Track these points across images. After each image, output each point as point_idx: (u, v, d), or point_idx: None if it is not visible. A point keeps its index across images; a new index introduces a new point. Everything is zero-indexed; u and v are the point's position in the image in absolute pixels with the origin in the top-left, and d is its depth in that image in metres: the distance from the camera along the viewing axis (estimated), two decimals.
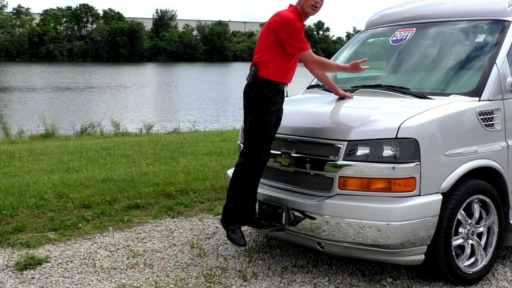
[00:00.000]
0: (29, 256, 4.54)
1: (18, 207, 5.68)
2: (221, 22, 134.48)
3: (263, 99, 4.07)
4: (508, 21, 4.42)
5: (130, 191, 6.39)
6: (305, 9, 4.13)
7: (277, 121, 4.22)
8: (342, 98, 4.59)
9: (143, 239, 5.12)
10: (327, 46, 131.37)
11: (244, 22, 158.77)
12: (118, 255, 4.70)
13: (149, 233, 5.27)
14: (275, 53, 4.08)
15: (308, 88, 5.35)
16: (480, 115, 4.02)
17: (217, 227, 5.44)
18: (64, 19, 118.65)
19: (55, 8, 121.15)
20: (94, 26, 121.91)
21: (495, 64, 4.18)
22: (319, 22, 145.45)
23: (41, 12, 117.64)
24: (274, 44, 4.08)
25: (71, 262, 4.54)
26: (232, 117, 24.33)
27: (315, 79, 5.43)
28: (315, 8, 4.13)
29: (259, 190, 4.32)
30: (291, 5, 4.22)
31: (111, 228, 5.39)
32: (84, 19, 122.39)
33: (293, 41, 4.02)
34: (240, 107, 25.81)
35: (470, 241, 4.05)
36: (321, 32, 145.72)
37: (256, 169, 4.17)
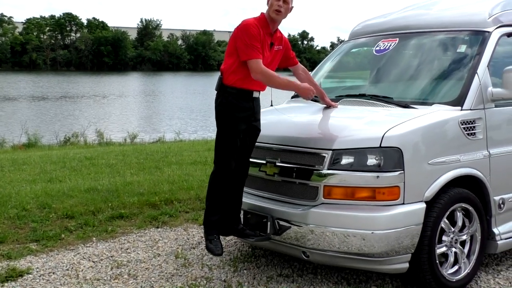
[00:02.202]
0: (10, 268, 4.47)
1: None
2: (206, 32, 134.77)
3: (227, 106, 4.08)
4: (488, 32, 4.49)
5: (114, 201, 6.33)
6: (270, 15, 4.13)
7: (253, 129, 4.21)
8: (327, 107, 4.62)
9: (127, 249, 5.08)
10: (312, 56, 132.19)
11: (228, 31, 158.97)
12: (102, 266, 4.65)
13: (133, 243, 5.23)
14: (236, 60, 4.09)
15: (292, 97, 5.37)
16: (462, 124, 4.07)
17: (202, 237, 5.41)
18: (48, 28, 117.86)
19: (38, 17, 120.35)
20: (78, 35, 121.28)
21: (476, 74, 4.24)
22: (304, 31, 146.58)
23: (24, 21, 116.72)
24: (234, 51, 4.10)
25: (53, 273, 4.48)
26: None
27: None
28: (279, 12, 4.11)
29: (244, 199, 4.32)
30: (261, 13, 4.23)
31: (94, 238, 5.33)
32: (68, 28, 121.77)
33: (244, 47, 4.01)
34: None
35: (454, 249, 4.08)
36: (305, 42, 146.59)
37: (229, 177, 4.16)
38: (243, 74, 4.08)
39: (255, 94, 4.20)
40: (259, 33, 4.03)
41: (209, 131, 21.29)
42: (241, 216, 4.35)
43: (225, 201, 4.20)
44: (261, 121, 4.29)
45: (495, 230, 4.31)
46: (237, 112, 4.08)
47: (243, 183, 4.30)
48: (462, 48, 4.55)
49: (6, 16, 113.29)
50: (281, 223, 3.99)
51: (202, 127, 24.90)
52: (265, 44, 4.11)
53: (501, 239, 4.32)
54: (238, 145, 4.13)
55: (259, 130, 4.27)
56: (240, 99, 4.10)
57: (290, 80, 4.23)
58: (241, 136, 4.14)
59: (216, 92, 4.18)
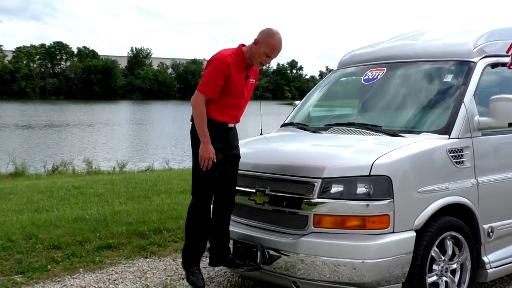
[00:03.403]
0: None
1: None
2: (196, 61, 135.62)
3: (194, 141, 4.08)
4: (473, 62, 4.58)
5: (102, 230, 6.25)
6: (253, 61, 4.14)
7: (232, 156, 4.21)
8: (316, 135, 4.63)
9: (114, 280, 5.00)
10: (301, 85, 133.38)
11: None
12: None
13: (121, 274, 5.15)
14: None
15: (282, 126, 5.40)
16: (450, 153, 4.10)
17: None
18: (38, 56, 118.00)
19: (29, 45, 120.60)
20: (68, 63, 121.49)
21: (463, 103, 4.30)
22: (293, 61, 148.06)
23: (14, 50, 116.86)
24: None
25: None
26: None
27: (289, 117, 5.50)
28: (262, 65, 4.17)
29: (234, 228, 4.29)
30: (240, 45, 4.20)
31: (81, 269, 5.25)
32: (58, 57, 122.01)
33: (206, 78, 4.01)
34: None
35: (444, 278, 4.07)
36: (294, 71, 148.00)
37: (207, 209, 4.14)
38: (213, 104, 4.07)
39: (230, 125, 4.20)
40: (229, 69, 3.99)
41: None
42: (231, 245, 4.31)
43: (205, 234, 4.18)
44: (251, 150, 4.30)
45: (485, 259, 4.31)
46: (212, 142, 4.06)
47: (230, 212, 4.28)
48: (449, 78, 4.63)
49: None
50: (271, 252, 3.96)
51: (191, 156, 24.81)
52: (240, 77, 4.09)
53: (491, 268, 4.32)
54: (216, 175, 4.12)
55: (239, 157, 4.29)
56: (216, 130, 4.10)
57: (207, 133, 4.01)
58: (218, 167, 4.12)
59: (191, 122, 4.18)
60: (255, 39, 4.13)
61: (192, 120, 4.15)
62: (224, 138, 4.15)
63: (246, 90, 4.20)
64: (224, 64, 3.98)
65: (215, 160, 4.04)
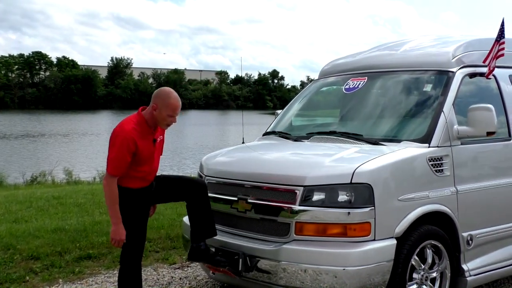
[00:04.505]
0: None
1: None
2: (177, 70, 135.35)
3: (124, 206, 3.97)
4: (452, 72, 4.65)
5: (82, 241, 6.18)
6: (159, 125, 4.02)
7: (160, 186, 4.17)
8: (297, 144, 4.65)
9: None
10: (282, 95, 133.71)
11: (200, 70, 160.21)
12: None
13: (101, 285, 5.09)
14: None
15: (264, 134, 5.41)
16: (430, 161, 4.15)
17: (172, 277, 5.30)
18: (16, 66, 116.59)
19: (7, 55, 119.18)
20: (48, 73, 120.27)
21: (442, 112, 4.36)
22: (274, 71, 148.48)
23: None
24: None
25: None
26: (188, 166, 24.14)
27: (271, 126, 5.52)
28: (169, 126, 4.07)
29: (216, 236, 4.26)
30: (140, 113, 4.00)
31: (61, 280, 5.17)
32: (37, 67, 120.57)
33: (112, 158, 3.85)
34: (197, 156, 25.65)
35: (424, 287, 4.09)
36: (276, 81, 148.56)
37: (137, 273, 4.11)
38: (128, 176, 3.94)
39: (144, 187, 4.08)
40: (135, 144, 3.85)
41: (181, 171, 21.10)
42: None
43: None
44: (233, 158, 4.26)
45: (464, 267, 4.36)
46: (129, 210, 3.98)
47: (205, 194, 4.22)
48: (428, 87, 4.69)
49: None
50: (253, 260, 3.94)
51: (172, 166, 24.70)
52: (148, 144, 3.96)
53: (470, 276, 4.36)
54: (143, 242, 4.17)
55: (162, 178, 4.24)
56: (132, 196, 3.99)
57: (118, 216, 3.93)
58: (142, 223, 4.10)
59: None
60: (152, 105, 3.94)
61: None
62: (143, 198, 4.07)
63: (156, 152, 4.08)
64: (130, 141, 3.82)
65: (124, 241, 3.96)
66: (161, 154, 4.24)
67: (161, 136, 4.17)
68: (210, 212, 4.21)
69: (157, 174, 4.23)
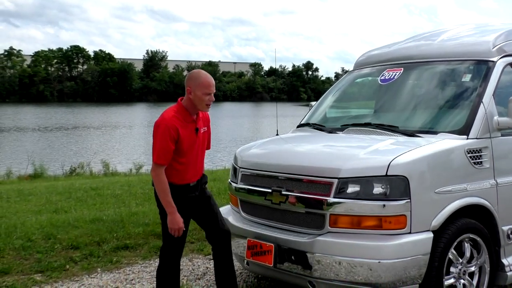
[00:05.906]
0: None
1: (4, 249, 5.58)
2: (212, 63, 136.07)
3: (160, 206, 3.99)
4: (492, 61, 4.52)
5: (119, 231, 6.31)
6: (200, 108, 4.00)
7: (203, 202, 4.17)
8: (332, 136, 4.61)
9: (131, 280, 5.03)
10: (316, 86, 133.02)
11: (234, 62, 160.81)
12: None
13: (138, 274, 5.18)
14: None
15: (298, 126, 5.39)
16: (468, 153, 4.06)
17: (207, 268, 5.36)
18: (55, 60, 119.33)
19: (46, 49, 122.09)
20: (85, 67, 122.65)
21: (481, 103, 4.25)
22: (308, 62, 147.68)
23: (32, 54, 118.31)
24: None
25: None
26: (222, 157, 24.30)
27: (305, 118, 5.49)
28: (209, 106, 4.04)
29: (250, 228, 4.28)
30: (179, 102, 4.02)
31: (99, 269, 5.30)
32: (75, 60, 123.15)
33: (157, 148, 3.86)
34: (231, 149, 25.75)
35: (462, 281, 4.02)
36: (310, 72, 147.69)
37: (175, 271, 4.12)
38: (173, 170, 3.94)
39: (193, 184, 4.09)
40: (177, 132, 3.86)
41: (215, 161, 21.28)
42: (246, 244, 4.29)
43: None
44: (267, 150, 4.25)
45: (504, 261, 4.26)
46: (180, 207, 3.96)
47: (229, 242, 4.23)
48: (467, 78, 4.58)
49: (15, 49, 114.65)
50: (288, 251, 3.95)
51: (208, 157, 24.85)
52: (190, 133, 3.96)
53: (510, 270, 4.26)
54: (185, 238, 4.14)
55: (211, 197, 4.27)
56: (180, 193, 3.99)
57: (172, 204, 3.91)
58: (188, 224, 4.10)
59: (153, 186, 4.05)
60: (187, 89, 3.97)
61: (153, 184, 4.00)
62: (190, 198, 4.07)
63: (198, 143, 4.06)
64: (171, 128, 3.84)
65: (184, 229, 3.97)
66: (207, 148, 4.25)
67: (205, 128, 4.16)
68: (232, 266, 4.22)
69: (206, 181, 4.26)
